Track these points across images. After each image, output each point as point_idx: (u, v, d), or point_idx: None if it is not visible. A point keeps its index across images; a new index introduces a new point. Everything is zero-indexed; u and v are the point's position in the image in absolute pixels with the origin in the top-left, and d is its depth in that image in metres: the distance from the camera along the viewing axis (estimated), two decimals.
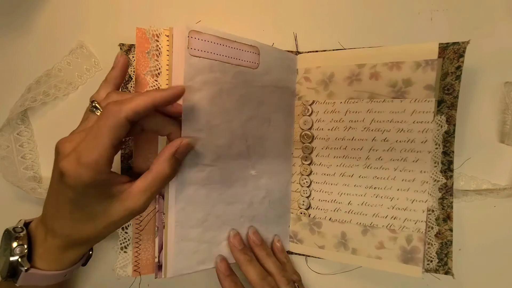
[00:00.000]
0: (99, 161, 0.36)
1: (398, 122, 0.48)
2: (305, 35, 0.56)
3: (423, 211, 0.48)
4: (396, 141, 0.48)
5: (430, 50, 0.47)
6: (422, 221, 0.48)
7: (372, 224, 0.50)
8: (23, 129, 0.59)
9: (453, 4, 0.53)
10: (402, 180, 0.49)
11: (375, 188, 0.50)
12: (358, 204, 0.51)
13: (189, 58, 0.42)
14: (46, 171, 0.60)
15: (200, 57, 0.42)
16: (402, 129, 0.48)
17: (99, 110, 0.42)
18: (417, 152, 0.48)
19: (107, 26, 0.59)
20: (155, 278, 0.46)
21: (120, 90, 0.46)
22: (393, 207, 0.49)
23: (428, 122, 0.47)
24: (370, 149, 0.50)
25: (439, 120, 0.48)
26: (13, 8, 0.60)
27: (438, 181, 0.49)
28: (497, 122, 0.53)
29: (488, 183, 0.52)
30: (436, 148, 0.48)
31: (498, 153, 0.53)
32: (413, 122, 0.47)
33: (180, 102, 0.41)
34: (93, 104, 0.42)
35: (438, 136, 0.48)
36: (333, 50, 0.54)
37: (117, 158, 0.55)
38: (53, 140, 0.57)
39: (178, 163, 0.41)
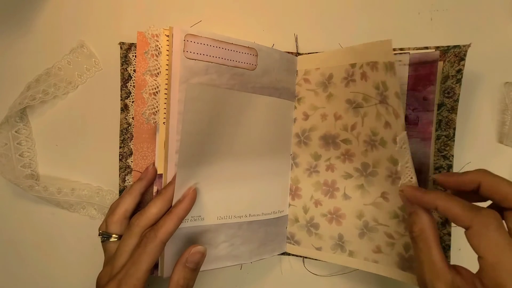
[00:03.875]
0: (138, 285, 0.41)
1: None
2: (306, 37, 0.57)
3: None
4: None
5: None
6: None
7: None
8: (22, 127, 0.60)
9: (453, 4, 0.54)
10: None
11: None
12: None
13: (185, 61, 0.43)
14: (43, 169, 0.61)
15: (196, 59, 0.44)
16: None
17: (111, 236, 0.48)
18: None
19: (108, 26, 0.60)
20: (151, 274, 0.47)
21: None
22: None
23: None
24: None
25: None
26: (15, 6, 0.61)
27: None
28: (496, 123, 0.54)
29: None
30: (438, 154, 0.49)
31: (496, 153, 0.54)
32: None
33: (175, 102, 0.43)
34: (103, 236, 0.49)
35: (442, 142, 0.49)
36: (331, 50, 0.54)
37: (115, 156, 0.57)
38: (52, 138, 0.60)
39: (191, 271, 0.43)
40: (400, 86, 0.45)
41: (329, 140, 0.53)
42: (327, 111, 0.53)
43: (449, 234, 0.51)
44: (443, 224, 0.51)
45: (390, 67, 0.43)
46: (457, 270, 0.37)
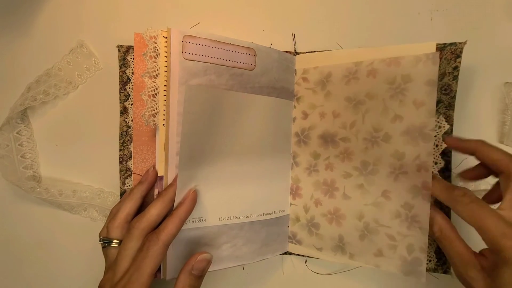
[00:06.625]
0: None
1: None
2: (303, 36, 0.58)
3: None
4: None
5: (427, 50, 0.47)
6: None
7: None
8: (23, 128, 0.61)
9: (453, 4, 0.55)
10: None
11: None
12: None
13: (183, 62, 0.45)
14: (45, 170, 0.62)
15: (194, 60, 0.45)
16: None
17: (112, 242, 0.48)
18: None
19: (107, 25, 0.61)
20: (154, 278, 0.48)
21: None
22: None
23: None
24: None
25: (438, 121, 0.50)
26: (14, 7, 0.63)
27: None
28: (496, 123, 0.54)
29: (486, 184, 0.53)
30: (434, 148, 0.50)
31: None
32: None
33: (175, 103, 0.45)
34: (104, 242, 0.48)
35: (438, 136, 0.50)
36: (331, 50, 0.56)
37: (116, 158, 0.58)
38: (53, 139, 0.61)
39: (197, 279, 0.44)
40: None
41: (327, 139, 0.54)
42: (325, 109, 0.54)
43: None
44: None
45: (425, 58, 0.46)
46: (482, 253, 0.41)
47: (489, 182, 0.53)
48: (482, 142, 0.43)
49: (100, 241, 0.49)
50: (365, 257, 0.52)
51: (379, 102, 0.50)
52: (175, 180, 0.46)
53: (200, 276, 0.44)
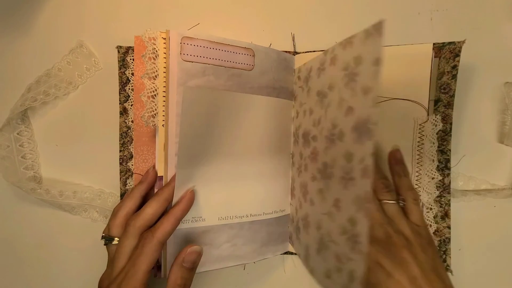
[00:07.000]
0: (138, 287, 0.42)
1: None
2: (303, 36, 0.58)
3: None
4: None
5: (424, 51, 0.48)
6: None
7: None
8: (23, 129, 0.61)
9: (453, 4, 0.55)
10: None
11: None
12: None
13: (181, 63, 0.45)
14: (46, 171, 0.63)
15: (192, 61, 0.46)
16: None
17: (113, 239, 0.49)
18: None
19: (107, 26, 0.61)
20: (154, 277, 0.49)
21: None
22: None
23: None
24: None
25: (434, 120, 0.50)
26: (14, 8, 0.63)
27: (434, 178, 0.51)
28: (496, 123, 0.55)
29: (487, 183, 0.54)
30: (431, 146, 0.50)
31: (497, 153, 0.55)
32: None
33: (173, 104, 0.45)
34: (105, 239, 0.50)
35: (433, 134, 0.50)
36: None
37: (117, 159, 0.59)
38: (54, 139, 0.61)
39: (188, 271, 0.45)
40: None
41: (306, 138, 0.51)
42: (307, 106, 0.51)
43: (449, 227, 0.52)
44: (443, 218, 0.52)
45: (373, 30, 0.36)
46: None
47: (489, 181, 0.54)
48: (401, 175, 0.50)
49: (102, 239, 0.50)
50: (318, 275, 0.45)
51: (336, 93, 0.42)
52: (172, 179, 0.47)
53: (191, 268, 0.45)
